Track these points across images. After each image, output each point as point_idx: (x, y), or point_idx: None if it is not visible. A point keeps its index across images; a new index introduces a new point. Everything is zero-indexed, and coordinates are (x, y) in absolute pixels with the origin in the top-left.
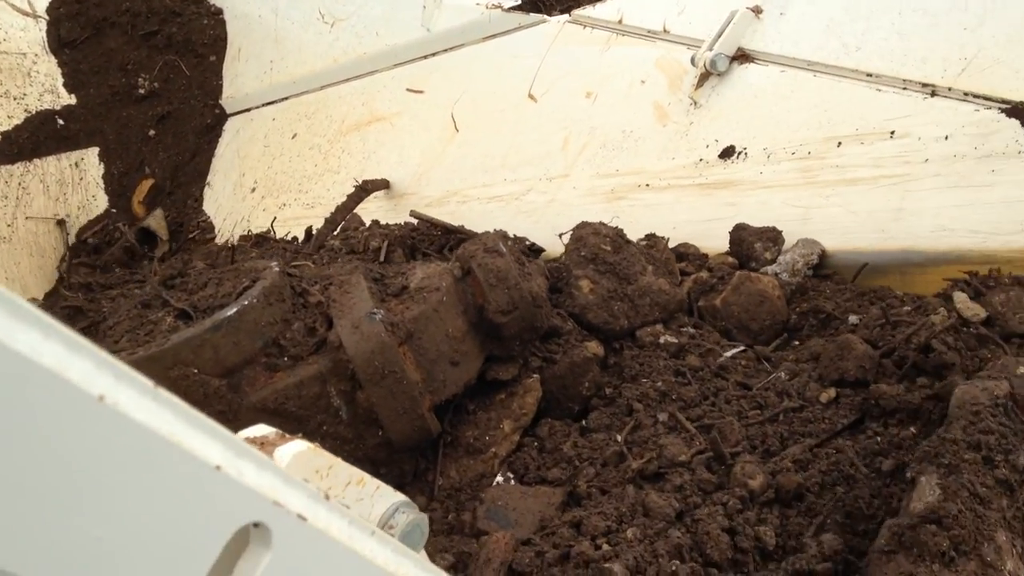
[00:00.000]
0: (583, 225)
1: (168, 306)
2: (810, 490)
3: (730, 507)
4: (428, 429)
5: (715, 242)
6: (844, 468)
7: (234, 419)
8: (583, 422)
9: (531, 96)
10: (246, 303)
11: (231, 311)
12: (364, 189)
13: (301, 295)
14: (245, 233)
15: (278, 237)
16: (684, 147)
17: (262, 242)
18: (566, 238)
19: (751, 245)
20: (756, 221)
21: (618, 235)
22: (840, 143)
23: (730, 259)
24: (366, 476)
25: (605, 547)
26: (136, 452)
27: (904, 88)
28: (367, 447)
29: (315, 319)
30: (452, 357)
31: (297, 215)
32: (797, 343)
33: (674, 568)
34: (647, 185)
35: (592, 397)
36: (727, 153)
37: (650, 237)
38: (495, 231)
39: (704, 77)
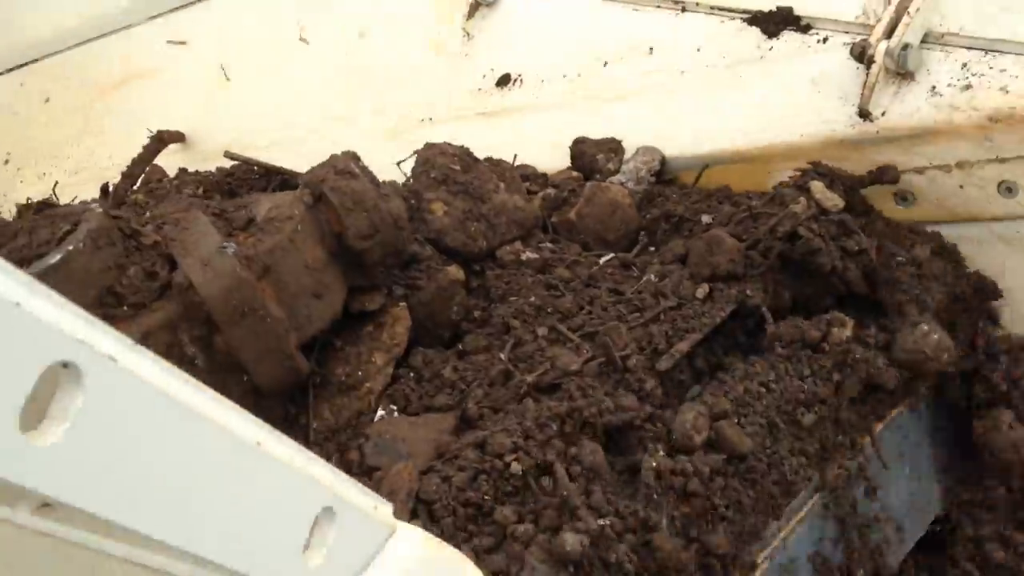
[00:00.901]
0: (429, 146)
1: None
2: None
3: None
4: (298, 369)
5: None
6: (771, 416)
7: None
8: (458, 347)
9: (302, 39)
10: (71, 248)
11: (54, 259)
12: (160, 140)
13: (132, 236)
14: (24, 203)
15: (63, 203)
16: (461, 79)
17: (46, 209)
18: (406, 165)
19: (593, 157)
20: (537, 145)
21: (466, 153)
22: (606, 63)
23: (574, 173)
24: None
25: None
26: None
27: (658, 7)
28: (231, 396)
29: (154, 261)
30: (315, 289)
31: (61, 182)
32: (654, 248)
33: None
34: (430, 119)
35: (462, 322)
36: (503, 81)
37: (490, 159)
38: (344, 152)
39: (474, 8)
